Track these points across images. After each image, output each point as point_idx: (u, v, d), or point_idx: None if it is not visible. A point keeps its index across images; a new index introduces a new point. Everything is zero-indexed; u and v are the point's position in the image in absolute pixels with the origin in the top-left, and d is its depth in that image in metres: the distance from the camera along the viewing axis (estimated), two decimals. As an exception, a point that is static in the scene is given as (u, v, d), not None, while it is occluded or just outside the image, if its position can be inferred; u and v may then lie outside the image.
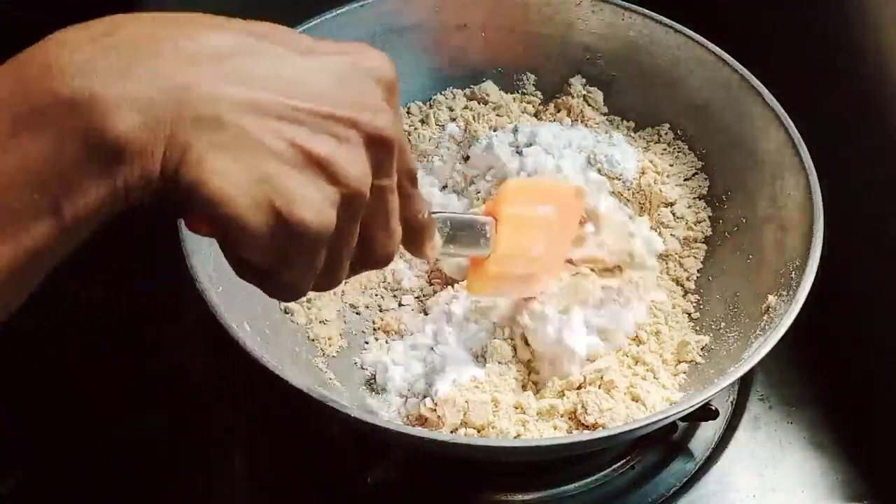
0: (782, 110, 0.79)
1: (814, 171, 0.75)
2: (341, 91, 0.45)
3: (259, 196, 0.42)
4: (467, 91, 0.91)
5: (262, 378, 0.64)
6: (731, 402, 0.81)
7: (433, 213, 0.60)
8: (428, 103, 0.90)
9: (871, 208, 0.83)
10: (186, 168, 0.40)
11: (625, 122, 0.90)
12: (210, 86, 0.41)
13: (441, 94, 0.90)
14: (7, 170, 0.38)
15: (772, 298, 0.73)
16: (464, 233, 0.68)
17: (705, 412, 0.75)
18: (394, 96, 0.48)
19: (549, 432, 0.71)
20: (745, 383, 0.82)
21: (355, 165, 0.44)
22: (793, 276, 0.72)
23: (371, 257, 0.50)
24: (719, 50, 0.83)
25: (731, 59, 0.82)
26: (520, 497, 0.76)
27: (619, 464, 0.77)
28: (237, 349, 0.65)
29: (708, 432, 0.79)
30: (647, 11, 0.86)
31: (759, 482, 0.77)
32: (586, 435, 0.68)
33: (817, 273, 0.70)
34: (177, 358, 0.85)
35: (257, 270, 0.46)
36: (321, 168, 0.43)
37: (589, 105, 0.89)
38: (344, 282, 0.55)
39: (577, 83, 0.90)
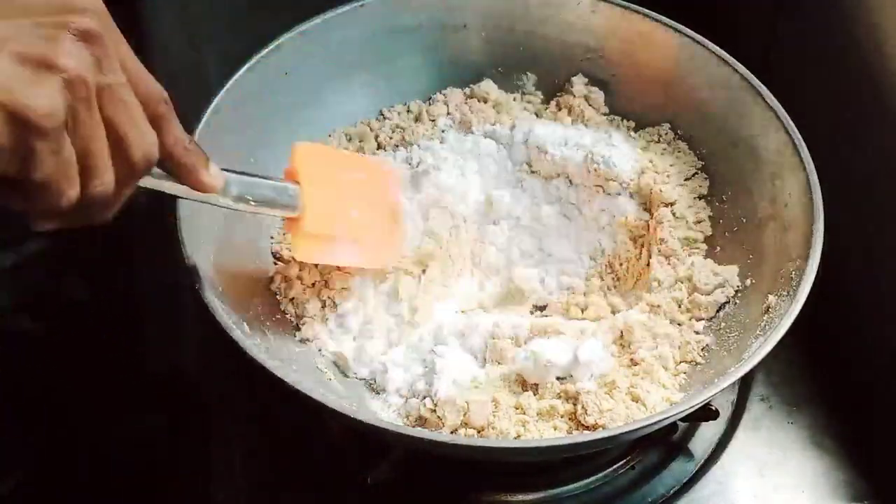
0: (782, 110, 0.79)
1: (814, 171, 0.75)
2: (46, 6, 0.50)
3: None
4: (466, 90, 0.91)
5: (262, 378, 0.64)
6: (732, 403, 0.81)
7: (227, 170, 0.65)
8: (427, 102, 0.90)
9: (871, 208, 0.83)
10: None
11: (625, 121, 0.90)
12: None
13: (441, 92, 0.90)
14: None
15: (772, 298, 0.73)
16: (263, 190, 0.69)
17: (706, 412, 0.75)
18: (105, 24, 0.52)
19: (549, 432, 0.70)
20: (745, 383, 0.82)
21: (69, 55, 0.49)
22: (793, 275, 0.72)
23: (128, 157, 0.53)
24: (719, 50, 0.83)
25: (731, 59, 0.82)
26: (520, 497, 0.76)
27: (619, 464, 0.77)
28: (237, 349, 0.65)
29: (708, 432, 0.79)
30: (647, 11, 0.86)
31: (759, 482, 0.77)
32: (586, 435, 0.68)
33: (817, 273, 0.70)
34: (176, 358, 0.85)
35: (13, 184, 0.50)
36: (38, 63, 0.48)
37: (590, 105, 0.89)
38: None
39: (578, 83, 0.90)
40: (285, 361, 0.73)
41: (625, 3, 0.87)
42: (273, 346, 0.74)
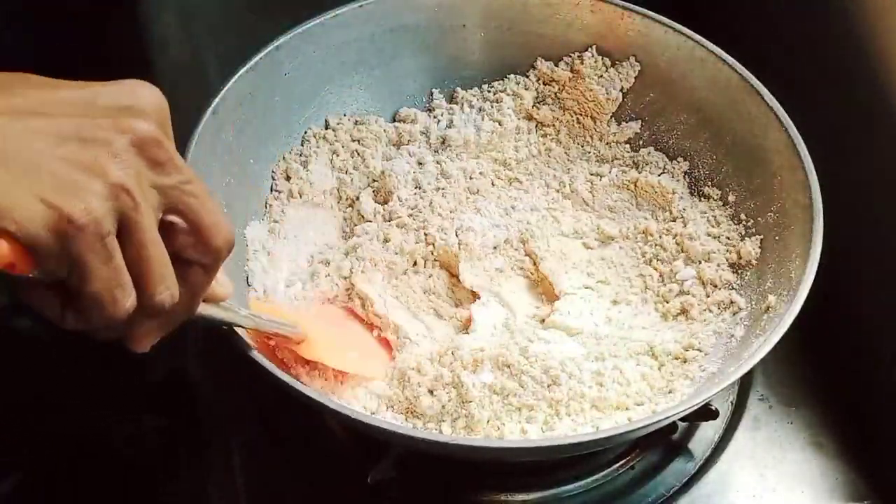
0: (782, 110, 0.79)
1: (814, 171, 0.75)
2: (107, 106, 0.49)
3: (29, 201, 0.45)
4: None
5: (261, 378, 0.64)
6: (731, 403, 0.81)
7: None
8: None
9: (871, 208, 0.83)
10: None
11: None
12: None
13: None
14: None
15: (772, 298, 0.73)
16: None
17: (705, 412, 0.75)
18: (164, 127, 0.51)
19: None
20: (745, 383, 0.82)
21: (117, 163, 0.48)
22: (793, 275, 0.72)
23: (210, 244, 0.53)
24: (719, 50, 0.83)
25: (731, 59, 0.82)
26: (520, 497, 0.76)
27: (619, 464, 0.77)
28: (237, 349, 0.65)
29: (708, 432, 0.79)
30: (647, 11, 0.86)
31: (759, 482, 0.77)
32: (586, 435, 0.68)
33: (817, 273, 0.70)
34: (176, 358, 0.85)
35: (69, 292, 0.49)
36: (84, 168, 0.47)
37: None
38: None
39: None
40: (285, 361, 0.73)
41: (625, 3, 0.87)
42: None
